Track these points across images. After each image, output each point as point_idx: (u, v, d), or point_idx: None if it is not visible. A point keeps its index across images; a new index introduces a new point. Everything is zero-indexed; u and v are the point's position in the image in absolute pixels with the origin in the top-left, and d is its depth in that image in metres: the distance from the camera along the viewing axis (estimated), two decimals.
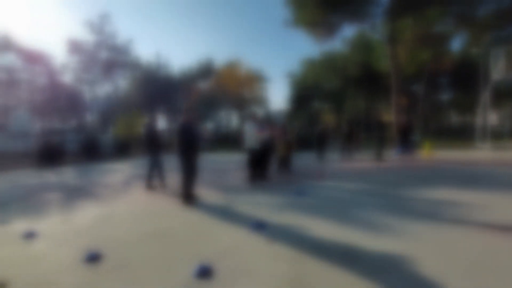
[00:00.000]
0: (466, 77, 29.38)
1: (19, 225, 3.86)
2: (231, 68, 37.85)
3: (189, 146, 4.76)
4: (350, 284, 2.05)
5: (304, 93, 37.78)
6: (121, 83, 38.05)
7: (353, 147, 11.37)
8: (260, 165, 6.55)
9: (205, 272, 2.25)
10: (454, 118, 42.34)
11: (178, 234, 3.28)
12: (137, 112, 24.52)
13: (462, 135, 22.80)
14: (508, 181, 5.65)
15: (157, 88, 35.01)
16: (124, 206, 4.83)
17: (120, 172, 10.17)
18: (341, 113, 37.24)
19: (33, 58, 30.40)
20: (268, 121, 8.98)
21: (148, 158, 6.30)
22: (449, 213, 3.61)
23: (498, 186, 5.09)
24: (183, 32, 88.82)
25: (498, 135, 15.71)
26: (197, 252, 2.71)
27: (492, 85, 14.68)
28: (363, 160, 10.17)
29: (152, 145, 6.23)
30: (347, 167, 8.66)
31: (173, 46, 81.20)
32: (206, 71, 40.94)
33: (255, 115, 6.83)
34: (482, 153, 11.23)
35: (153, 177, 6.20)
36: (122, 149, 19.77)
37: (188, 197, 4.78)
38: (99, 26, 33.05)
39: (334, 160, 10.73)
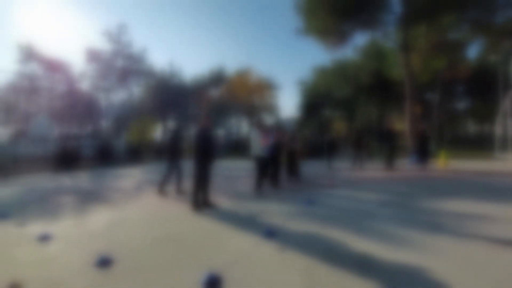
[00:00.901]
0: (483, 85, 28.50)
1: (35, 228, 3.97)
2: (242, 76, 38.20)
3: (206, 152, 4.78)
4: None
5: (315, 101, 37.59)
6: (136, 91, 39.14)
7: (364, 155, 11.14)
8: (269, 173, 6.49)
9: (214, 281, 2.22)
10: (472, 127, 40.95)
11: (188, 240, 3.28)
12: (149, 119, 25.05)
13: (480, 144, 21.94)
14: None
15: (170, 95, 35.75)
16: (136, 210, 4.89)
17: (132, 177, 10.35)
18: (352, 121, 36.75)
19: (53, 66, 31.84)
20: (276, 128, 8.91)
21: (167, 163, 6.35)
22: (465, 226, 3.45)
23: None
24: (195, 40, 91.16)
25: None
26: (207, 259, 2.69)
27: None
28: (374, 169, 9.94)
29: (175, 151, 6.30)
30: (358, 176, 8.48)
31: (185, 54, 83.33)
32: (217, 79, 41.54)
33: (260, 122, 6.76)
34: (502, 164, 10.76)
35: (168, 182, 6.25)
36: (134, 155, 20.19)
37: (203, 204, 4.78)
38: (117, 35, 34.31)
39: (345, 168, 10.54)
